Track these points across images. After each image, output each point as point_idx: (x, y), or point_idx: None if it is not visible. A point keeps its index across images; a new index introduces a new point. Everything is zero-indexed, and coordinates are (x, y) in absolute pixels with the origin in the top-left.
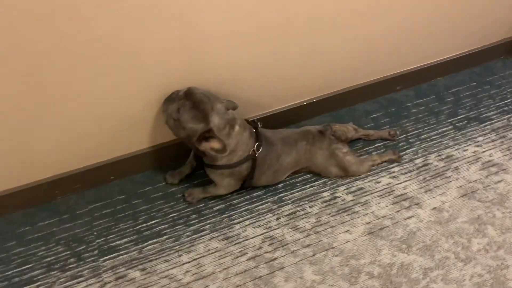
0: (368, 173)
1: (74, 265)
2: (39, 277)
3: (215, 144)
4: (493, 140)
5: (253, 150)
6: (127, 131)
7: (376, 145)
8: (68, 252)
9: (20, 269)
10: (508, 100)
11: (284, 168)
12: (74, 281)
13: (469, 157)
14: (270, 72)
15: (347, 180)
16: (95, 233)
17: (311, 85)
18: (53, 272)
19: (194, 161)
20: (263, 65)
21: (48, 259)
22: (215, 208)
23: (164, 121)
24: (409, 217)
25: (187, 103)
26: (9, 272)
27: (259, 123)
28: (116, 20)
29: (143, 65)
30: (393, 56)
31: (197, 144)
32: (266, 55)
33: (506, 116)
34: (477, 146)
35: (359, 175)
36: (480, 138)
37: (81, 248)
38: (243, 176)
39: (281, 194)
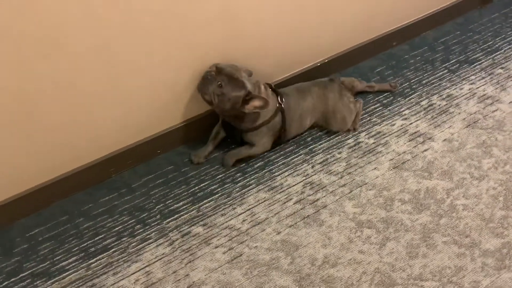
0: (382, 119)
1: (141, 230)
2: (112, 244)
3: (256, 102)
4: (483, 77)
5: (279, 102)
6: (172, 104)
7: (385, 95)
8: (133, 220)
9: (93, 240)
10: (490, 43)
11: (305, 111)
12: (145, 243)
13: (466, 94)
14: (291, 34)
15: (367, 127)
16: (153, 201)
17: (323, 46)
18: (124, 239)
19: (225, 133)
20: (286, 28)
21: (117, 228)
22: (255, 166)
23: (208, 101)
24: (425, 150)
25: (224, 78)
26: (84, 244)
27: (272, 84)
28: None
29: (190, 36)
30: (389, 14)
31: (242, 108)
32: (288, 17)
33: (491, 56)
34: (471, 84)
35: (347, 129)
36: (473, 77)
37: (144, 215)
38: (277, 129)
39: (311, 146)
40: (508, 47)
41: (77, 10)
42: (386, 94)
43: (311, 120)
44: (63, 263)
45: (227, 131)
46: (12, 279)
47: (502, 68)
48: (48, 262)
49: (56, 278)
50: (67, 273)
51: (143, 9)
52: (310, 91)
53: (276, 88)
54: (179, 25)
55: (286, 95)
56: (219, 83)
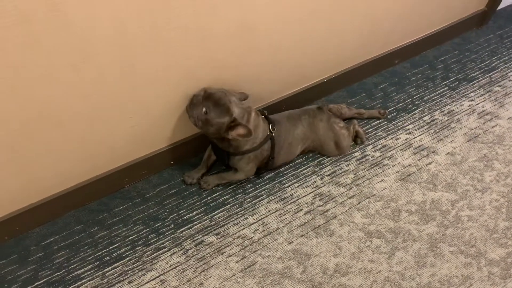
0: (387, 133)
1: (156, 239)
2: (127, 253)
3: (240, 131)
4: (482, 95)
5: (270, 130)
6: (187, 116)
7: (389, 110)
8: (147, 229)
9: (108, 249)
10: (487, 62)
11: (296, 140)
12: (159, 252)
13: (466, 110)
14: (300, 50)
15: (373, 140)
16: (167, 210)
17: (330, 62)
18: (138, 248)
19: (215, 155)
20: (296, 44)
21: (131, 237)
22: (266, 177)
23: (193, 124)
24: (429, 163)
25: (209, 103)
26: (99, 253)
27: (265, 112)
28: (194, 9)
29: (208, 50)
30: (391, 33)
31: (226, 134)
32: (299, 34)
33: (488, 75)
34: (471, 100)
35: (346, 153)
36: (472, 94)
37: (158, 224)
38: (264, 157)
39: (320, 158)
40: (504, 66)
41: (109, 24)
42: (390, 109)
43: (302, 147)
44: (79, 272)
45: (216, 153)
46: (28, 287)
47: (499, 86)
48: (63, 271)
49: (72, 287)
50: (82, 281)
51: (166, 23)
52: (301, 120)
53: (269, 116)
54: (200, 39)
55: (278, 122)
56: (204, 109)
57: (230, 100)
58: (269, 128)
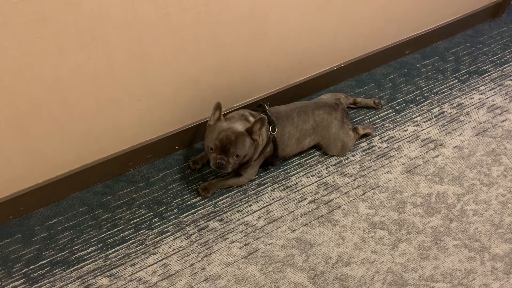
0: (395, 124)
1: (159, 223)
2: (130, 236)
3: (257, 128)
4: (493, 88)
5: (270, 132)
6: (194, 101)
7: (398, 101)
8: (151, 213)
9: (111, 231)
10: (499, 55)
11: (304, 134)
12: (162, 236)
13: (476, 103)
14: (311, 37)
15: (380, 131)
16: (171, 195)
17: (340, 51)
18: (141, 231)
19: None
20: (307, 31)
21: (135, 220)
22: None
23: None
24: (436, 156)
25: (226, 151)
26: (102, 235)
27: (266, 105)
28: None
29: (219, 35)
30: (403, 23)
31: (254, 140)
32: (310, 22)
33: (500, 68)
34: (481, 94)
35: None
36: (482, 88)
37: (162, 208)
38: (266, 157)
39: None
40: None
41: (119, 3)
42: (399, 100)
43: (311, 142)
44: (82, 253)
45: None
46: (32, 267)
47: (511, 80)
48: (67, 251)
49: (75, 267)
50: (85, 262)
51: (177, 5)
52: (314, 114)
53: (275, 108)
54: (210, 24)
55: (284, 118)
56: (233, 157)
57: (232, 129)
58: (269, 130)
